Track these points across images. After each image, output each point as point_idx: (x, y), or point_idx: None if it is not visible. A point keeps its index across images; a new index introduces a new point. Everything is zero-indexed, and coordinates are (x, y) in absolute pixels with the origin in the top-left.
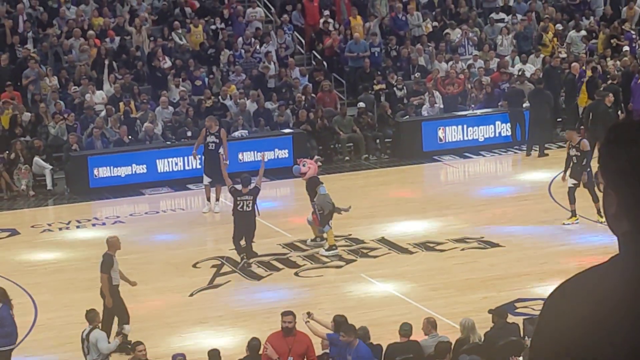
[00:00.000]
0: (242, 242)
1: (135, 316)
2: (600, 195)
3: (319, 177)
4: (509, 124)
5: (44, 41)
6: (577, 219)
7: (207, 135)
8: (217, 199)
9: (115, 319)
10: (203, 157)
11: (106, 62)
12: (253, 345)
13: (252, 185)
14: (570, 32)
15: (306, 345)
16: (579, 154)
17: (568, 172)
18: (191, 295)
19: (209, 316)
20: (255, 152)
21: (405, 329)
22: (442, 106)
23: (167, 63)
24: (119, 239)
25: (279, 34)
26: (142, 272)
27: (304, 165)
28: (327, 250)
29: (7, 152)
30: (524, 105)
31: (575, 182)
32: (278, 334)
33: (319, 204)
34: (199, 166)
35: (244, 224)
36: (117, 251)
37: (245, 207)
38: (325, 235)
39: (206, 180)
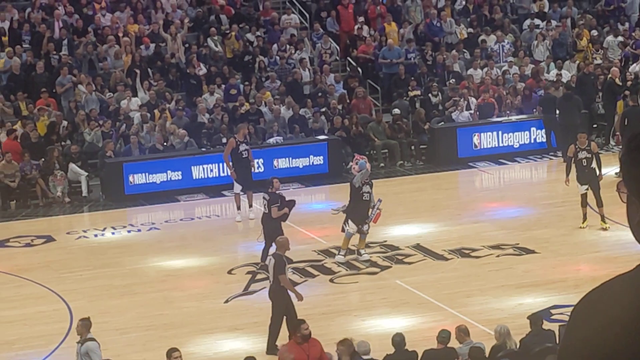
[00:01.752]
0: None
1: (171, 322)
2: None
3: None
4: (544, 130)
5: (79, 48)
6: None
7: (239, 143)
8: (250, 205)
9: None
10: (234, 166)
11: (137, 70)
12: None
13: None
14: (608, 38)
15: (320, 349)
16: (590, 156)
17: (575, 176)
18: (226, 301)
19: (244, 323)
20: (290, 158)
21: (444, 336)
22: (476, 112)
23: (202, 70)
24: (288, 240)
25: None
26: (177, 279)
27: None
28: (339, 253)
29: (43, 158)
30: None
31: (586, 187)
32: (292, 344)
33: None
34: (223, 174)
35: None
36: (286, 251)
37: (264, 209)
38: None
39: (237, 188)
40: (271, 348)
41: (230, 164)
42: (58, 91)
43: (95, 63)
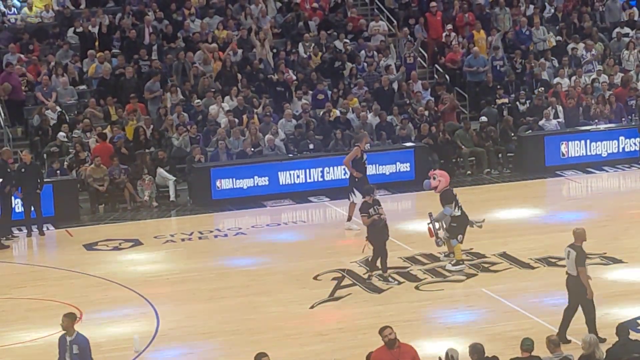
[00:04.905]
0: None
1: (256, 327)
2: None
3: (455, 190)
4: (633, 139)
5: (169, 53)
6: None
7: (364, 152)
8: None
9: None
10: (353, 175)
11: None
12: None
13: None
14: None
15: (412, 356)
16: None
17: None
18: (312, 307)
19: (330, 328)
20: (377, 165)
21: (527, 344)
22: (563, 120)
23: (290, 76)
24: (585, 230)
25: (407, 46)
26: (263, 284)
27: (434, 179)
28: (453, 265)
29: (133, 163)
30: None
31: None
32: (382, 350)
33: (436, 219)
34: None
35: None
36: (583, 242)
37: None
38: (454, 249)
39: (358, 198)
40: (562, 336)
41: (352, 168)
42: (147, 97)
43: (186, 68)
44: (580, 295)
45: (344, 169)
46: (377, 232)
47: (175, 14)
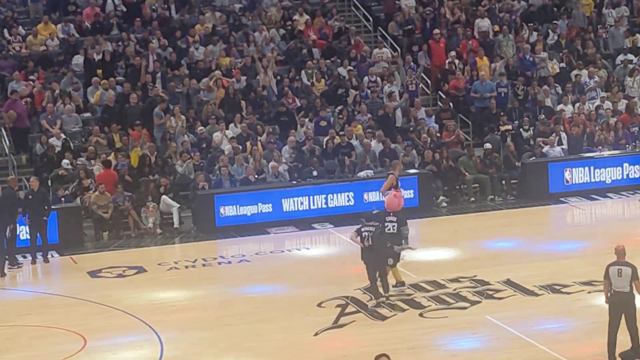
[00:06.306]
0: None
1: (260, 354)
2: None
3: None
4: (637, 166)
5: (172, 81)
6: None
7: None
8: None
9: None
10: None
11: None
12: None
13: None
14: None
15: None
16: None
17: None
18: (316, 334)
19: (333, 356)
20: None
21: None
22: (566, 147)
23: (295, 103)
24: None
25: (409, 73)
26: (267, 311)
27: (386, 195)
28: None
29: (137, 190)
30: None
31: None
32: None
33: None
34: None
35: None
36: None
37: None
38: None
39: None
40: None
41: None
42: (155, 123)
43: (190, 95)
44: (629, 310)
45: (347, 196)
46: (370, 255)
47: (180, 41)
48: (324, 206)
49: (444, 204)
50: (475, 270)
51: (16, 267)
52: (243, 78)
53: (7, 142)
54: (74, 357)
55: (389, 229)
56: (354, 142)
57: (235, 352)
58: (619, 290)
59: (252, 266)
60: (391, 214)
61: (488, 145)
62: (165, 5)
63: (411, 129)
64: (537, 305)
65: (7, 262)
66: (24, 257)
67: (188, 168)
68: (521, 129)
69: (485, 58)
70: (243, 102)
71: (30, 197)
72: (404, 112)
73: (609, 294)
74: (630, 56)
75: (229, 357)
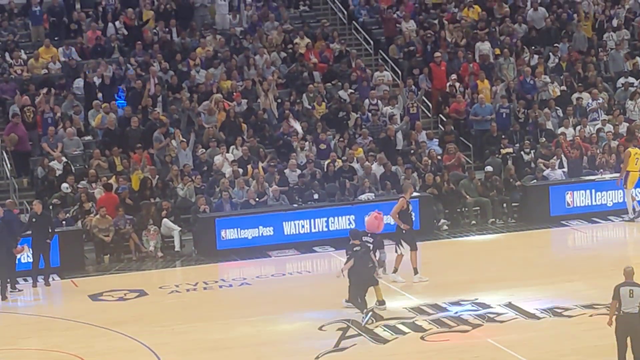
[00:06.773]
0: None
1: None
2: None
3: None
4: (638, 189)
5: (174, 104)
6: None
7: (409, 203)
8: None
9: None
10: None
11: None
12: None
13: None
14: None
15: None
16: None
17: None
18: (317, 358)
19: None
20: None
21: None
22: (566, 170)
23: (296, 127)
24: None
25: (409, 96)
26: (269, 335)
27: (368, 215)
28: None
29: (138, 213)
30: None
31: None
32: None
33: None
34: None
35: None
36: None
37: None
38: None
39: (407, 249)
40: None
41: (402, 223)
42: (155, 147)
43: (193, 118)
44: (636, 334)
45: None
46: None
47: (181, 64)
48: (325, 229)
49: (445, 227)
50: (476, 293)
51: (17, 290)
52: (244, 101)
53: (9, 165)
54: None
55: (362, 249)
56: (355, 165)
57: None
58: (628, 311)
59: (254, 289)
60: (369, 235)
61: (489, 168)
62: (167, 29)
63: (412, 151)
64: (538, 329)
65: (8, 285)
66: (25, 280)
67: (189, 191)
68: (522, 152)
69: (486, 81)
70: (244, 125)
71: (34, 220)
72: (405, 135)
73: (615, 316)
74: (631, 79)
75: None
